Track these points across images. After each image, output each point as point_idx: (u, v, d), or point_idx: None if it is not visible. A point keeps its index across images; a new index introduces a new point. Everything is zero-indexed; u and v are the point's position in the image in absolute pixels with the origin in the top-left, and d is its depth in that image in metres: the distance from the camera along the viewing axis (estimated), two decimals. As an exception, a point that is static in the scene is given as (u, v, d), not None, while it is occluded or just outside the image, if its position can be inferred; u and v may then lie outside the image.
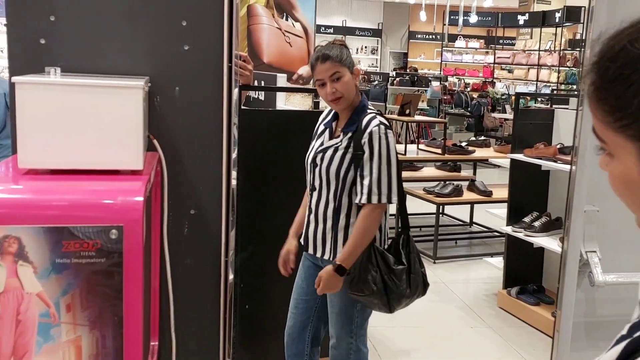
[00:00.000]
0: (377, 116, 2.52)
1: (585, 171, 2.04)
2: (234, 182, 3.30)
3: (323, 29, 22.41)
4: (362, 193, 2.45)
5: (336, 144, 2.53)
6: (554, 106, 5.43)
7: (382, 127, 2.46)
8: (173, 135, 1.84)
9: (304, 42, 7.79)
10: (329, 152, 2.53)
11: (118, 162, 1.38)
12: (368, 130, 2.45)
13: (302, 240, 2.72)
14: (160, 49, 1.82)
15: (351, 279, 2.49)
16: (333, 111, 2.64)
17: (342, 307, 2.60)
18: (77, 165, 1.37)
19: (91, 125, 1.37)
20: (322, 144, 2.59)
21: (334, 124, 2.61)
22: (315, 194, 2.59)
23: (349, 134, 2.49)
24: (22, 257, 1.18)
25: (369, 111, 2.53)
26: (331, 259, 2.55)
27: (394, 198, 2.50)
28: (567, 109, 5.12)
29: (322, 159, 2.54)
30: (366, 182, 2.44)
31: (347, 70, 2.47)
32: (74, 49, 1.76)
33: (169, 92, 1.84)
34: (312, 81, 2.67)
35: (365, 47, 23.71)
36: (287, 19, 7.70)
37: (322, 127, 2.66)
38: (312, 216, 2.61)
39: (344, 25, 23.34)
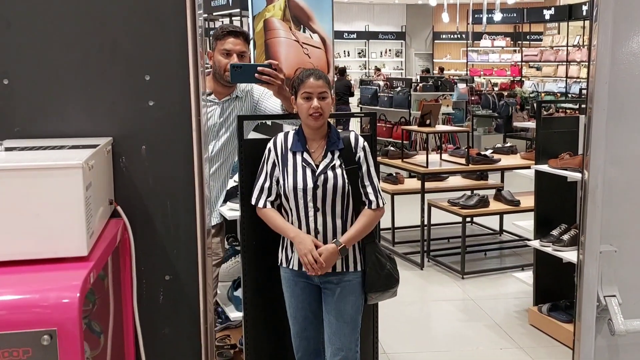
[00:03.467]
0: (354, 131, 2.86)
1: (598, 208, 1.85)
2: (237, 213, 3.24)
3: (346, 34, 22.29)
4: (373, 199, 2.75)
5: (330, 163, 2.72)
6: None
7: (364, 141, 2.81)
8: (141, 197, 1.71)
9: (323, 53, 7.67)
10: (330, 173, 2.71)
11: (58, 250, 1.26)
12: (360, 146, 2.77)
13: (295, 262, 2.77)
14: (123, 106, 1.70)
15: (372, 280, 2.76)
16: (294, 136, 2.78)
17: (352, 316, 2.77)
18: (13, 255, 1.25)
19: (28, 211, 1.25)
20: (311, 166, 2.72)
21: (306, 146, 2.76)
22: (319, 214, 2.71)
23: (338, 152, 2.74)
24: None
25: (340, 129, 2.83)
26: (343, 270, 2.76)
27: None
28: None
29: (325, 180, 2.70)
30: (371, 189, 2.76)
31: (330, 94, 2.73)
32: (31, 113, 1.66)
33: (135, 152, 1.71)
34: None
35: (390, 50, 23.48)
36: (304, 31, 7.58)
37: (290, 154, 2.76)
38: (320, 236, 2.73)
39: (367, 30, 23.16)
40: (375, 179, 2.79)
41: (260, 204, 2.82)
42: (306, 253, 2.67)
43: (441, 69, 19.30)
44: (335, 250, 2.68)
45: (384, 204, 2.79)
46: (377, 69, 19.98)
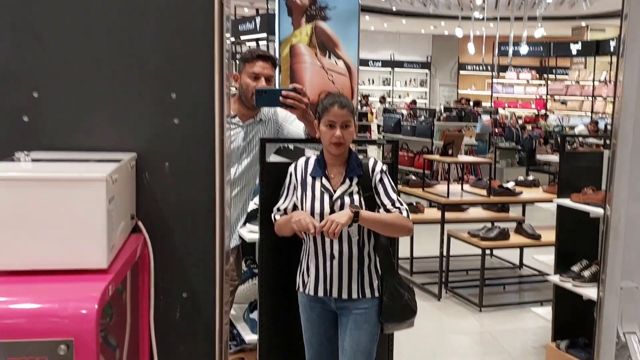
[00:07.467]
0: (374, 157, 2.87)
1: (620, 244, 1.83)
2: (255, 235, 3.25)
3: (371, 62, 22.43)
4: (393, 208, 2.69)
5: (348, 189, 2.71)
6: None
7: (383, 165, 2.79)
8: (163, 213, 1.73)
9: (347, 80, 7.72)
10: (347, 199, 2.70)
11: (78, 261, 1.27)
12: (377, 170, 2.75)
13: (311, 287, 2.76)
14: (148, 123, 1.73)
15: (389, 310, 2.72)
16: (315, 161, 2.79)
17: (367, 345, 2.74)
18: (33, 265, 1.26)
19: (50, 221, 1.27)
20: (329, 191, 2.71)
21: (326, 171, 2.75)
22: (335, 241, 2.68)
23: (356, 179, 2.72)
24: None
25: (360, 156, 2.81)
26: (359, 297, 2.72)
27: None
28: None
29: (342, 205, 2.68)
30: (390, 202, 2.71)
31: (353, 121, 2.72)
32: (59, 126, 1.69)
33: (159, 168, 1.73)
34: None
35: (414, 79, 23.55)
36: (330, 57, 7.63)
37: (310, 178, 2.76)
38: (336, 262, 2.71)
39: (392, 59, 23.28)
40: (394, 195, 2.73)
41: (274, 219, 2.84)
42: (308, 222, 2.56)
43: (467, 100, 19.21)
44: (349, 214, 2.55)
45: (409, 215, 2.71)
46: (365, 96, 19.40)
